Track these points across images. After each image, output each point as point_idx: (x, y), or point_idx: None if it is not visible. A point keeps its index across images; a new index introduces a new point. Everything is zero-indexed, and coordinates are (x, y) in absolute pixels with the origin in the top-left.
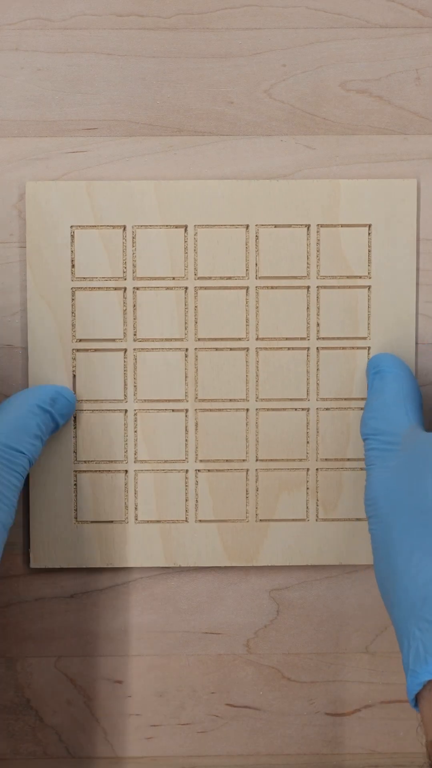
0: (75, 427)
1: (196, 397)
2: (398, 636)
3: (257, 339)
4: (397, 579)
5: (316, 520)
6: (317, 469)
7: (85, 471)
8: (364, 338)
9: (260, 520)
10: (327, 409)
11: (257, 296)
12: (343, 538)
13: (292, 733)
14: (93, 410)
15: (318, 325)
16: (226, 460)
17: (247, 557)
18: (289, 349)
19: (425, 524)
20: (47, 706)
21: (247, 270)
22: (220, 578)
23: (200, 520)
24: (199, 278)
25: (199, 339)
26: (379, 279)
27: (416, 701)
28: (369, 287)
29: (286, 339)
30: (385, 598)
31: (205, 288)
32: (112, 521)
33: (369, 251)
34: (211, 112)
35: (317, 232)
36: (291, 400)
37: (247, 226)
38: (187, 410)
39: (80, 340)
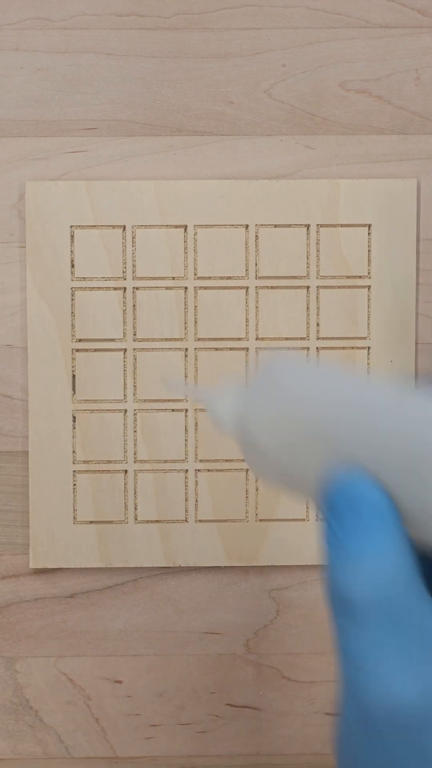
0: (75, 428)
1: None
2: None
3: (257, 339)
4: None
5: (316, 520)
6: None
7: (84, 471)
8: (364, 338)
9: (260, 520)
10: None
11: (257, 296)
12: None
13: (292, 733)
14: (93, 410)
15: (318, 325)
16: (226, 460)
17: (246, 557)
18: (288, 349)
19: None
20: (47, 706)
21: (246, 270)
22: (220, 578)
23: (200, 520)
24: (198, 278)
25: (198, 339)
26: (379, 279)
27: None
28: (369, 287)
29: (286, 339)
30: None
31: (205, 288)
32: (111, 521)
33: (369, 251)
34: (211, 112)
35: (317, 232)
36: None
37: (247, 226)
38: (186, 410)
39: (80, 340)
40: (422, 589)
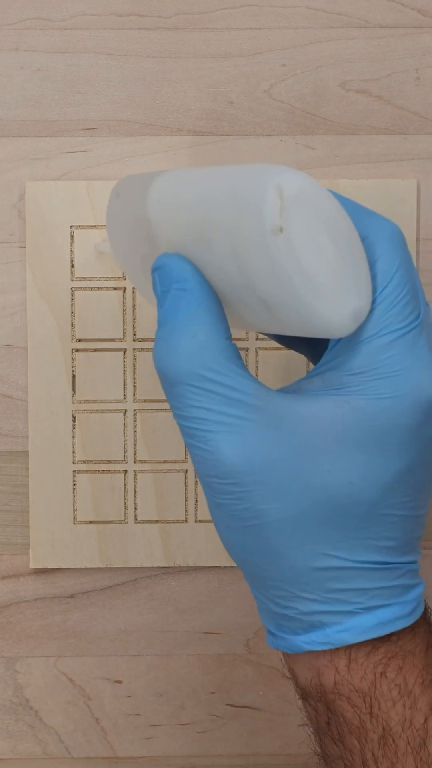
0: (74, 427)
1: None
2: (263, 586)
3: (257, 339)
4: (281, 565)
5: None
6: None
7: (84, 471)
8: None
9: None
10: None
11: None
12: None
13: (292, 733)
14: (92, 410)
15: None
16: None
17: None
18: (288, 348)
19: (327, 517)
20: (47, 706)
21: None
22: (220, 578)
23: (200, 520)
24: None
25: None
26: None
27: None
28: None
29: None
30: (248, 556)
31: None
32: (111, 521)
33: None
34: (211, 112)
35: None
36: None
37: None
38: None
39: (80, 340)
40: (231, 358)
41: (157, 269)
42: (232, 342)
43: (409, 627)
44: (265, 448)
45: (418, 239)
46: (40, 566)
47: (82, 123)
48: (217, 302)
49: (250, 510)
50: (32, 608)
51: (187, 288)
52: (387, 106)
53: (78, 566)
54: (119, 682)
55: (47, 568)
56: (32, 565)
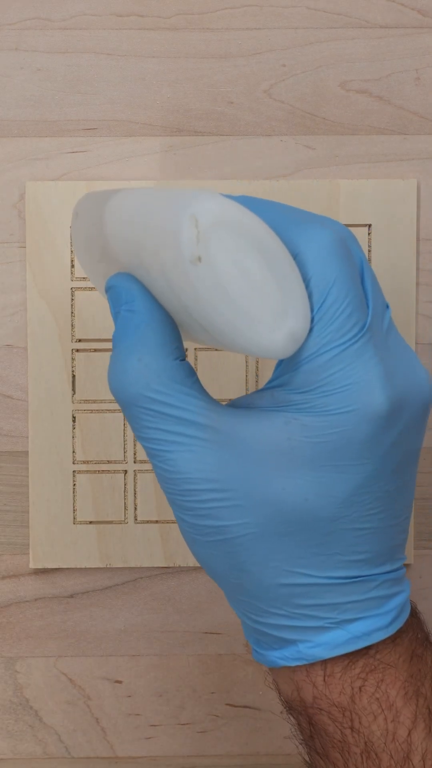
0: (74, 428)
1: None
2: (235, 600)
3: None
4: (250, 579)
5: None
6: None
7: (84, 471)
8: None
9: None
10: None
11: None
12: None
13: (292, 733)
14: (92, 410)
15: None
16: None
17: None
18: None
19: (288, 534)
20: (47, 706)
21: None
22: None
23: None
24: None
25: None
26: (379, 279)
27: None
28: None
29: None
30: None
31: None
32: (111, 521)
33: (369, 251)
34: (211, 112)
35: None
36: None
37: None
38: None
39: (80, 340)
40: (176, 378)
41: (108, 290)
42: (184, 361)
43: (389, 638)
44: (219, 466)
45: (418, 239)
46: (40, 566)
47: (82, 123)
48: (163, 322)
49: (212, 526)
50: (32, 608)
51: (134, 309)
52: (387, 106)
53: (78, 566)
54: (119, 682)
55: (47, 568)
56: (32, 565)
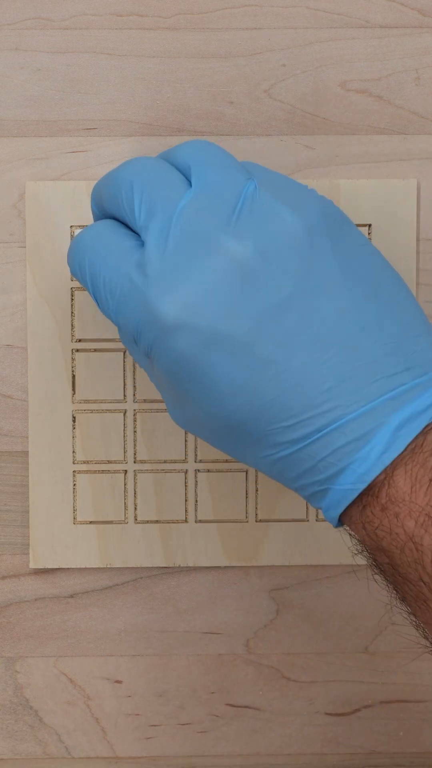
0: (74, 428)
1: None
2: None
3: None
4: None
5: (316, 520)
6: None
7: (84, 471)
8: None
9: (260, 520)
10: None
11: None
12: (343, 538)
13: (292, 733)
14: (92, 410)
15: None
16: (226, 461)
17: (246, 557)
18: None
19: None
20: (47, 706)
21: None
22: (220, 578)
23: (200, 520)
24: None
25: None
26: None
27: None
28: None
29: None
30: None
31: None
32: (111, 521)
33: None
34: (211, 112)
35: None
36: None
37: None
38: None
39: (80, 340)
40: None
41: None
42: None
43: None
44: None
45: (418, 239)
46: (40, 566)
47: (82, 123)
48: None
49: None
50: (32, 608)
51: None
52: (387, 106)
53: (78, 566)
54: (119, 682)
55: (47, 568)
56: (32, 565)
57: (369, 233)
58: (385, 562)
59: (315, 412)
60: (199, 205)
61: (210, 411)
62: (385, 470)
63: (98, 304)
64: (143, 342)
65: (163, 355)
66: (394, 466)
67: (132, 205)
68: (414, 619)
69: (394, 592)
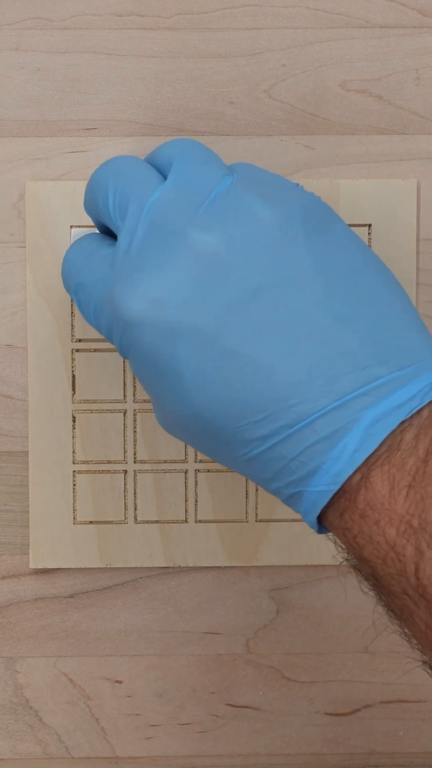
0: (74, 428)
1: None
2: (265, 453)
3: None
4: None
5: None
6: None
7: (84, 471)
8: None
9: (260, 520)
10: None
11: None
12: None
13: (292, 733)
14: (92, 410)
15: None
16: None
17: (246, 557)
18: None
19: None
20: (47, 706)
21: None
22: (220, 578)
23: (200, 520)
24: None
25: None
26: None
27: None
28: None
29: None
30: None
31: None
32: (111, 521)
33: None
34: (211, 112)
35: None
36: None
37: None
38: None
39: (80, 340)
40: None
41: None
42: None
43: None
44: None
45: (418, 239)
46: (40, 566)
47: (82, 123)
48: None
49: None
50: (32, 608)
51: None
52: (387, 106)
53: (78, 566)
54: (119, 682)
55: (47, 568)
56: (32, 565)
57: (369, 233)
58: (368, 572)
59: (283, 405)
60: (170, 199)
61: (179, 408)
62: (360, 470)
63: (84, 316)
64: (116, 340)
65: (132, 351)
66: (369, 466)
67: (107, 205)
68: (401, 630)
69: (381, 602)
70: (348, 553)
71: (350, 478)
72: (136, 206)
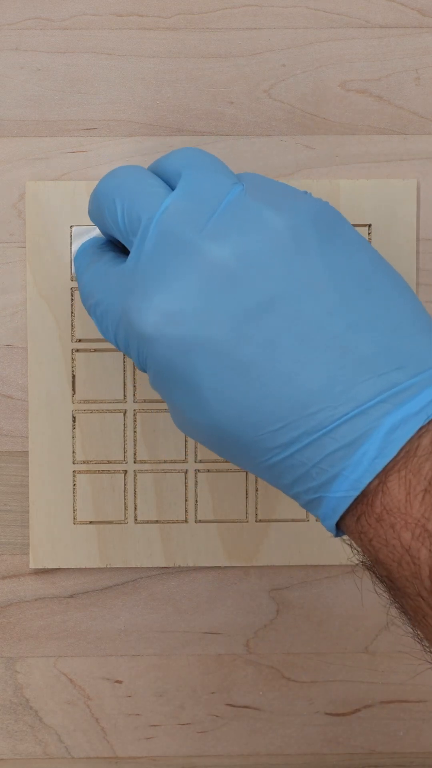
0: (74, 428)
1: None
2: (280, 463)
3: None
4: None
5: (316, 520)
6: None
7: (84, 471)
8: None
9: (260, 520)
10: None
11: None
12: (343, 539)
13: (292, 733)
14: (92, 410)
15: None
16: (226, 461)
17: (246, 557)
18: None
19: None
20: (47, 706)
21: None
22: (220, 578)
23: (200, 520)
24: None
25: None
26: None
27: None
28: None
29: None
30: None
31: None
32: (111, 521)
33: None
34: (211, 112)
35: None
36: None
37: None
38: None
39: (80, 340)
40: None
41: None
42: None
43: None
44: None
45: (418, 239)
46: (40, 566)
47: (82, 123)
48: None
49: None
50: (32, 608)
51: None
52: (387, 106)
53: (78, 566)
54: (119, 682)
55: (47, 568)
56: (32, 565)
57: (369, 233)
58: (383, 575)
59: (302, 413)
60: (179, 210)
61: (198, 418)
62: (378, 476)
63: (104, 335)
64: (134, 355)
65: (149, 364)
66: (387, 471)
67: (115, 218)
68: (414, 631)
69: (395, 603)
70: (363, 555)
71: (368, 483)
72: (145, 218)
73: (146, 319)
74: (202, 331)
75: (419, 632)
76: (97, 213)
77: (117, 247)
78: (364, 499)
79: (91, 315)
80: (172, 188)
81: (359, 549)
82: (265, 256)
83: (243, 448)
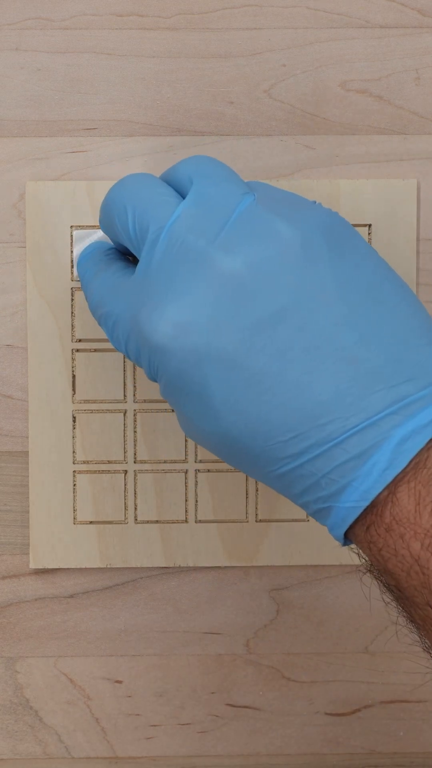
0: (74, 428)
1: None
2: (285, 475)
3: None
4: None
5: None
6: None
7: (84, 471)
8: None
9: (260, 520)
10: None
11: None
12: None
13: (292, 733)
14: (93, 410)
15: None
16: None
17: (246, 557)
18: None
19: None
20: (47, 706)
21: None
22: (220, 578)
23: (200, 521)
24: None
25: None
26: None
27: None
28: None
29: None
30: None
31: None
32: (111, 521)
33: None
34: (211, 112)
35: None
36: None
37: None
38: None
39: (80, 340)
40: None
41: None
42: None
43: None
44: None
45: (418, 239)
46: (40, 566)
47: (82, 123)
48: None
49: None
50: (32, 608)
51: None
52: (387, 106)
53: (78, 566)
54: (119, 682)
55: (47, 568)
56: (32, 565)
57: (369, 233)
58: (392, 584)
59: (312, 424)
60: (190, 220)
61: (208, 427)
62: (388, 487)
63: (114, 344)
64: (145, 365)
65: (160, 375)
66: (397, 482)
67: (126, 228)
68: (422, 641)
69: (403, 613)
70: (371, 564)
71: (378, 494)
72: (156, 227)
73: (158, 329)
74: (214, 341)
75: (427, 641)
76: (107, 222)
77: (122, 253)
78: (373, 509)
79: (101, 325)
80: (183, 197)
81: (367, 558)
82: (276, 267)
83: (253, 457)
